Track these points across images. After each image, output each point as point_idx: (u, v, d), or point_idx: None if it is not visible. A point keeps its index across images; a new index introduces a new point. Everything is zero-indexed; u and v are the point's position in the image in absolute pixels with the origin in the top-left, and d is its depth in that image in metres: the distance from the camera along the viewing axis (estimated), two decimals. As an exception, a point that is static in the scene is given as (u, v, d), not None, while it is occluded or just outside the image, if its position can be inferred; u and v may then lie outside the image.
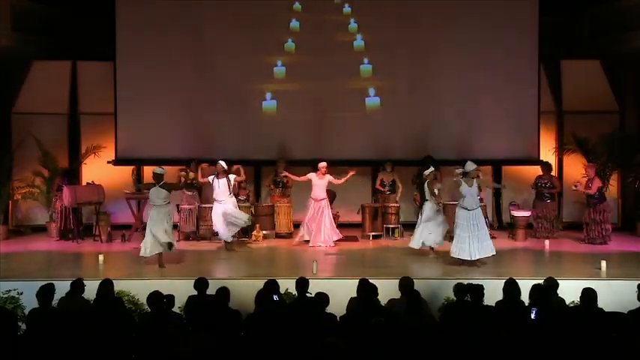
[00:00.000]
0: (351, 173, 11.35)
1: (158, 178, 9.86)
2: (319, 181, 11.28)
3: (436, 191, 10.12)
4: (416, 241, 10.28)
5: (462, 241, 9.46)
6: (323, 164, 11.35)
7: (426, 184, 10.23)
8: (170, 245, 9.69)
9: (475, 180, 9.62)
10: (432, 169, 10.39)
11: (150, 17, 12.97)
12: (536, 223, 11.99)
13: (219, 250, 11.09)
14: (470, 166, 9.61)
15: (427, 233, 10.19)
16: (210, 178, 10.94)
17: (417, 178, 11.87)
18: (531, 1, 12.88)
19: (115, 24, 12.96)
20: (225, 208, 10.82)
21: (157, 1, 13.04)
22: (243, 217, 11.08)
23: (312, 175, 11.35)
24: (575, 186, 11.54)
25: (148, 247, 9.60)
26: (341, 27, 13.01)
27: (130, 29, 12.96)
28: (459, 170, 9.66)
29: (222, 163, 10.95)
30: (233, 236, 11.07)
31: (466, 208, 9.50)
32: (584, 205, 11.72)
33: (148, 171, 13.13)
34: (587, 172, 11.61)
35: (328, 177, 11.31)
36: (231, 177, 10.96)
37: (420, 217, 10.39)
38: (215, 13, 13.00)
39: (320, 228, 11.23)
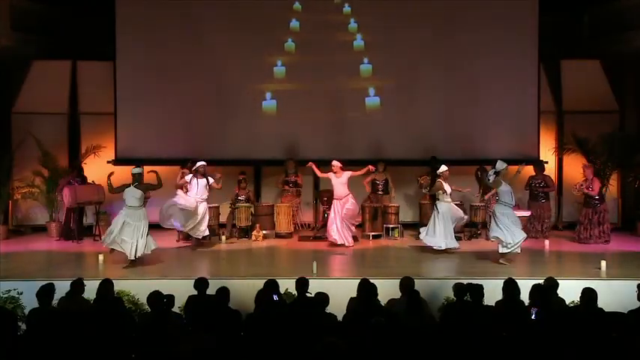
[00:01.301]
0: (370, 168, 11.46)
1: (136, 177, 9.77)
2: (337, 180, 11.23)
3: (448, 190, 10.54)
4: (439, 241, 10.43)
5: (516, 236, 9.58)
6: (334, 163, 11.30)
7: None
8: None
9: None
10: (444, 167, 10.57)
11: (150, 17, 12.97)
12: (528, 223, 11.98)
13: (218, 249, 11.08)
14: (501, 165, 9.80)
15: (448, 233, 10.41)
16: (188, 177, 10.97)
17: (427, 186, 11.99)
18: (531, 1, 12.88)
19: (115, 24, 12.96)
20: (201, 209, 10.82)
21: (156, 1, 13.04)
22: (202, 228, 10.97)
23: (330, 175, 11.30)
24: (580, 185, 11.51)
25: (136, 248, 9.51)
26: (341, 27, 13.01)
27: (130, 29, 12.96)
28: (492, 171, 9.85)
29: (203, 163, 10.99)
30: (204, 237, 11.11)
31: (509, 205, 9.67)
32: (581, 206, 11.71)
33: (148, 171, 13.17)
34: (585, 173, 11.59)
35: (347, 173, 11.22)
36: (210, 180, 10.97)
37: (434, 217, 10.50)
38: (215, 13, 13.00)
39: (337, 224, 11.13)
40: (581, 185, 11.49)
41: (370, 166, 11.48)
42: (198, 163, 11.03)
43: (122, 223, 9.55)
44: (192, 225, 10.87)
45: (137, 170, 9.87)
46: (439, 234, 10.47)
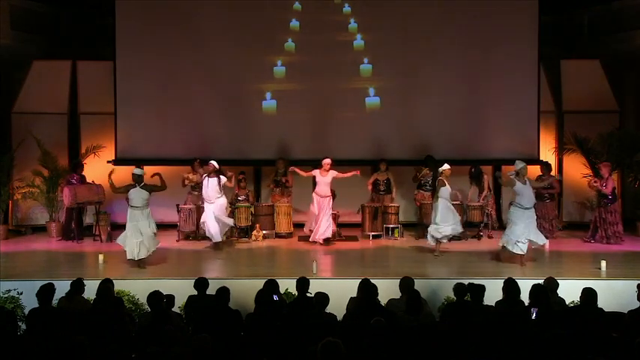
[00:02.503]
0: (356, 172, 11.48)
1: (138, 179, 9.78)
2: (322, 178, 11.37)
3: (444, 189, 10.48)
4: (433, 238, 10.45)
5: (518, 237, 9.56)
6: (327, 161, 11.41)
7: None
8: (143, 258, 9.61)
9: (527, 179, 9.68)
10: (446, 166, 10.55)
11: (150, 17, 12.96)
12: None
13: (214, 250, 11.05)
14: (519, 164, 9.78)
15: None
16: (204, 176, 11.08)
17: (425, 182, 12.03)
18: (531, 2, 12.87)
19: (115, 24, 12.95)
20: (214, 208, 10.91)
21: (156, 1, 13.03)
22: (228, 221, 11.19)
23: (315, 172, 11.47)
24: (595, 182, 11.51)
25: (137, 248, 9.56)
26: (341, 27, 12.99)
27: (130, 29, 12.94)
28: (512, 172, 9.84)
29: (214, 163, 11.05)
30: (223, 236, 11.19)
31: (522, 207, 9.62)
32: (592, 205, 11.68)
33: (149, 171, 13.15)
34: (601, 171, 11.56)
35: (332, 173, 11.37)
36: (223, 179, 11.05)
37: (436, 208, 10.50)
38: (215, 13, 12.98)
39: (319, 224, 11.29)
40: (596, 182, 11.46)
41: (357, 172, 11.54)
42: (210, 163, 11.10)
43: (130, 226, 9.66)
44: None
45: (139, 172, 9.85)
46: (444, 222, 10.38)
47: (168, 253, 10.74)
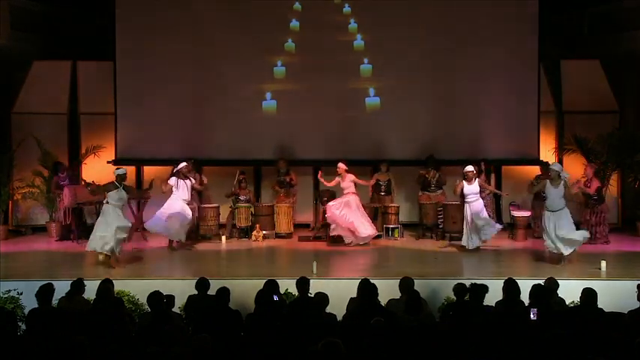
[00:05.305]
0: (370, 183, 11.94)
1: (120, 178, 9.71)
2: (343, 183, 11.41)
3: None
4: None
5: (548, 238, 9.61)
6: (341, 165, 11.41)
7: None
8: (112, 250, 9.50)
9: (562, 182, 9.61)
10: (470, 167, 10.71)
11: (150, 17, 12.96)
12: (534, 224, 11.97)
13: (219, 249, 11.08)
14: (554, 167, 9.79)
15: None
16: (172, 180, 10.88)
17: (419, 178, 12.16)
18: (531, 1, 12.88)
19: (115, 24, 12.95)
20: (185, 208, 10.82)
21: (157, 1, 13.04)
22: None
23: (338, 179, 11.50)
24: (578, 182, 11.52)
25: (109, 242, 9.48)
26: (341, 27, 13.00)
27: (129, 29, 12.95)
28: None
29: (183, 164, 10.99)
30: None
31: (547, 209, 9.63)
32: (582, 206, 11.70)
33: (149, 171, 13.20)
34: (585, 172, 11.59)
35: (350, 176, 11.38)
36: (192, 180, 11.06)
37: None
38: (215, 13, 12.99)
39: (360, 221, 11.25)
40: (578, 182, 11.48)
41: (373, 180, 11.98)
42: (181, 165, 11.01)
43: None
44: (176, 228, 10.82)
45: (121, 171, 9.83)
46: (465, 233, 10.56)
47: (168, 253, 10.74)
